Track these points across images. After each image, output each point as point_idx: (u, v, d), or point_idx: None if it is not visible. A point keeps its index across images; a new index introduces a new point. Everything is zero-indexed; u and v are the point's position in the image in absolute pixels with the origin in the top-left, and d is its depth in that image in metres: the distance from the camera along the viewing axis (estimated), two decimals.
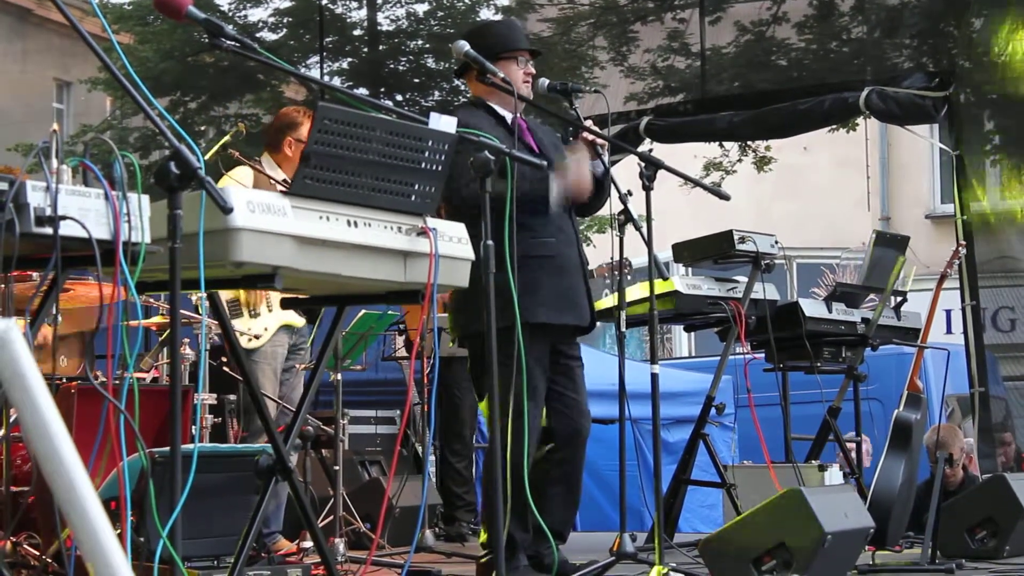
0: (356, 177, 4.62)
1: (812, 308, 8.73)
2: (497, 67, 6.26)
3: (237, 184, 7.31)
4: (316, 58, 17.44)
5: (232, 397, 8.09)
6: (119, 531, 3.58)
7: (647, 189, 6.46)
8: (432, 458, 9.64)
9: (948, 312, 17.83)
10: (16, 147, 17.58)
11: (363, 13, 18.26)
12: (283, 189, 7.40)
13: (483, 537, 6.52)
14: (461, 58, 6.22)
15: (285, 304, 5.57)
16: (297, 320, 7.77)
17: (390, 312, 9.00)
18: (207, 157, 7.59)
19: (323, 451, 8.93)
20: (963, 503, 7.81)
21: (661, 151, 9.16)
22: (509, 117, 6.46)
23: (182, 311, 4.40)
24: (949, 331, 18.03)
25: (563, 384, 6.50)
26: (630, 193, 6.47)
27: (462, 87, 17.61)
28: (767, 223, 13.40)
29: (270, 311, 7.65)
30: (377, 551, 7.52)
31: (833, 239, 23.80)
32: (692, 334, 21.16)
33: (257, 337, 7.55)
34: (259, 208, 4.30)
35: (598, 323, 6.88)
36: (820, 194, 23.93)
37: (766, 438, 7.94)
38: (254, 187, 7.36)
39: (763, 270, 8.34)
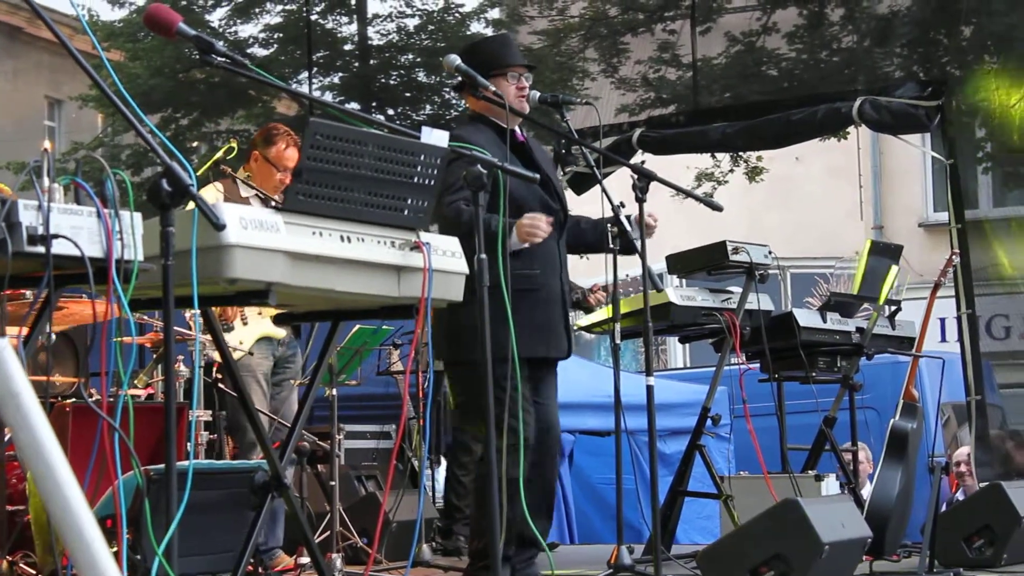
0: (348, 192, 4.62)
1: (806, 318, 8.72)
2: (490, 83, 6.24)
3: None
4: (307, 73, 17.45)
5: (223, 413, 8.06)
6: (115, 549, 3.57)
7: (640, 201, 6.47)
8: (428, 472, 9.62)
9: (942, 320, 17.85)
10: (7, 165, 17.59)
11: (354, 28, 18.29)
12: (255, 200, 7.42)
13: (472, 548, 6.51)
14: (452, 72, 6.21)
15: (278, 320, 5.55)
16: (276, 331, 7.72)
17: (384, 327, 8.99)
18: (198, 173, 7.58)
19: (319, 466, 8.91)
20: (960, 512, 7.80)
21: (654, 162, 9.16)
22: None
23: (176, 328, 4.39)
24: (944, 339, 18.03)
25: (536, 399, 6.44)
26: (623, 205, 6.47)
27: (453, 100, 17.64)
28: (760, 233, 13.40)
29: (245, 324, 7.62)
30: (374, 566, 7.50)
31: (826, 249, 23.78)
32: (687, 345, 21.17)
33: (234, 350, 7.49)
34: (252, 224, 4.29)
35: (592, 335, 6.88)
36: (813, 204, 23.91)
37: (762, 448, 7.92)
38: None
39: (757, 280, 8.33)
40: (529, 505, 6.00)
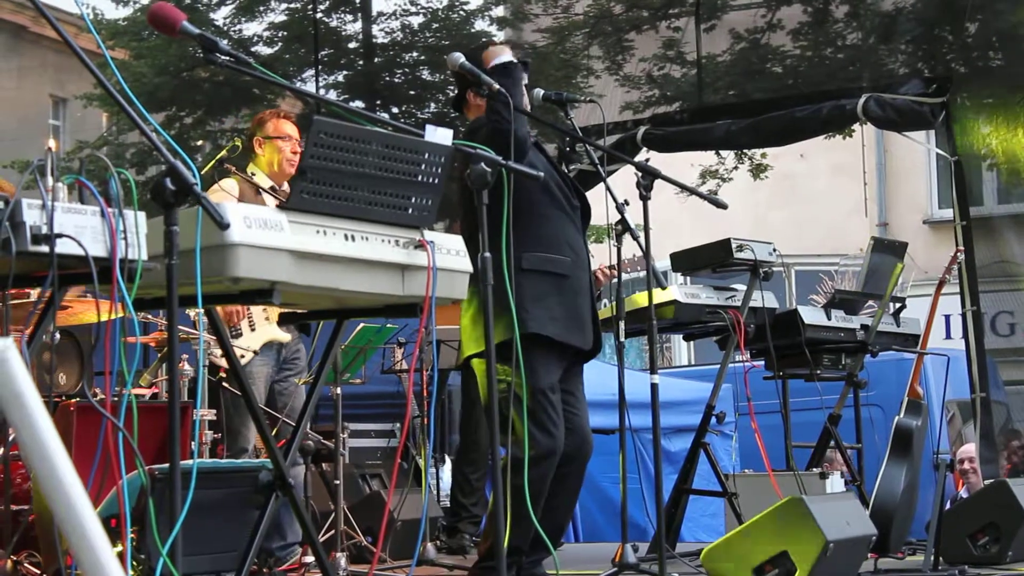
0: (353, 191, 4.62)
1: (811, 315, 8.72)
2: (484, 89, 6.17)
3: (225, 194, 7.31)
4: (311, 71, 17.43)
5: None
6: (119, 549, 3.58)
7: (644, 199, 6.46)
8: (432, 470, 9.62)
9: (947, 317, 17.85)
10: (12, 164, 17.58)
11: (358, 26, 18.26)
12: (270, 195, 7.41)
13: (482, 548, 6.52)
14: (456, 69, 6.16)
15: (283, 319, 5.55)
16: (282, 336, 7.74)
17: (389, 325, 8.98)
18: (203, 172, 7.57)
19: (323, 465, 8.91)
20: (965, 509, 7.79)
21: (658, 160, 9.15)
22: None
23: (180, 327, 4.39)
24: (948, 336, 18.04)
25: (568, 403, 6.45)
26: (627, 203, 6.47)
27: None
28: (765, 231, 13.41)
29: (252, 330, 7.61)
30: (379, 565, 7.50)
31: (831, 246, 23.76)
32: (692, 343, 21.19)
33: (242, 357, 7.51)
34: (256, 223, 4.29)
35: None
36: (817, 201, 23.89)
37: (767, 446, 7.92)
38: (239, 197, 7.35)
39: (761, 278, 8.33)
40: (553, 511, 6.05)
